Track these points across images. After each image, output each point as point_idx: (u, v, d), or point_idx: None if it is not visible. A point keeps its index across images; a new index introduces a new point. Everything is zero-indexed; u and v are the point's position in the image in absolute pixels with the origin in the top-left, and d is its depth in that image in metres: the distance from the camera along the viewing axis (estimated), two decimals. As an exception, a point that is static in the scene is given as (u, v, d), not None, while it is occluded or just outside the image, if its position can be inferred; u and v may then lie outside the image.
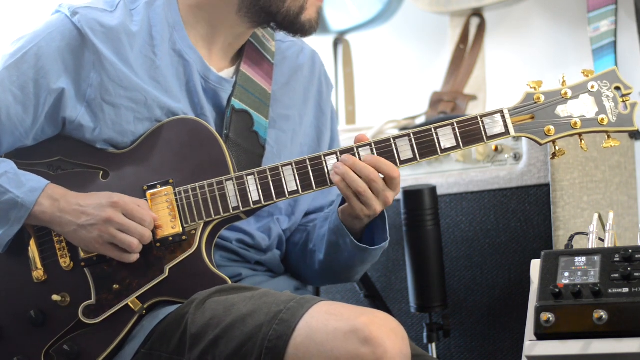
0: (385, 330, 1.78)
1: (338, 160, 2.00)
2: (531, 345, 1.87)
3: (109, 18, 2.05)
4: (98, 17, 2.04)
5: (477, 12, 3.12)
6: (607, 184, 2.60)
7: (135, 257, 1.99)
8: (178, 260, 2.01)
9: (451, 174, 2.64)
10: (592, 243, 2.00)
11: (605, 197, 2.59)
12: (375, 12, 3.30)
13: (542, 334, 1.86)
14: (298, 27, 2.12)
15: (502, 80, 3.19)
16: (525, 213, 2.51)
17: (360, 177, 1.98)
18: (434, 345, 2.51)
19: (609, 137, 2.01)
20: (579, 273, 1.89)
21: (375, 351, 1.75)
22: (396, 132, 2.05)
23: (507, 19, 3.22)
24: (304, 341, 1.80)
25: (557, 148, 2.02)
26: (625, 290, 1.83)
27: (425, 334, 2.51)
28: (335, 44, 3.46)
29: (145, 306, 2.00)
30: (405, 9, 3.30)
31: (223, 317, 1.87)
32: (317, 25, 2.14)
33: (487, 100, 3.08)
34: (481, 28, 3.13)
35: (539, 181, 2.49)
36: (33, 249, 2.04)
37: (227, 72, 2.16)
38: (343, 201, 2.08)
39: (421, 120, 2.98)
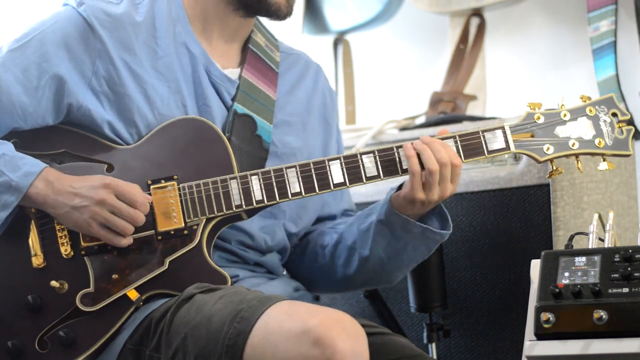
0: (336, 330, 1.74)
1: (342, 166, 2.02)
2: (531, 345, 1.88)
3: (114, 8, 2.08)
4: (104, 6, 2.07)
5: (477, 12, 3.12)
6: (607, 184, 2.60)
7: (127, 241, 1.99)
8: (179, 254, 2.01)
9: (451, 174, 2.63)
10: (592, 243, 2.01)
11: (605, 197, 2.59)
12: (375, 12, 3.30)
13: (542, 334, 1.87)
14: (262, 5, 2.12)
15: (502, 80, 3.19)
16: (525, 213, 2.51)
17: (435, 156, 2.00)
18: (434, 345, 2.51)
19: (604, 159, 2.08)
20: (579, 273, 1.89)
21: (325, 352, 1.73)
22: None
23: (507, 19, 3.22)
24: (260, 342, 1.78)
25: (554, 167, 2.08)
26: (625, 290, 1.83)
27: (425, 334, 2.51)
28: (335, 44, 3.45)
29: (144, 297, 2.00)
30: (405, 9, 3.30)
31: (193, 316, 1.88)
32: (285, 10, 2.13)
33: (487, 100, 3.08)
34: (481, 28, 3.13)
35: (539, 181, 2.49)
36: (34, 235, 2.03)
37: (231, 72, 2.18)
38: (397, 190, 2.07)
39: (421, 120, 2.97)
